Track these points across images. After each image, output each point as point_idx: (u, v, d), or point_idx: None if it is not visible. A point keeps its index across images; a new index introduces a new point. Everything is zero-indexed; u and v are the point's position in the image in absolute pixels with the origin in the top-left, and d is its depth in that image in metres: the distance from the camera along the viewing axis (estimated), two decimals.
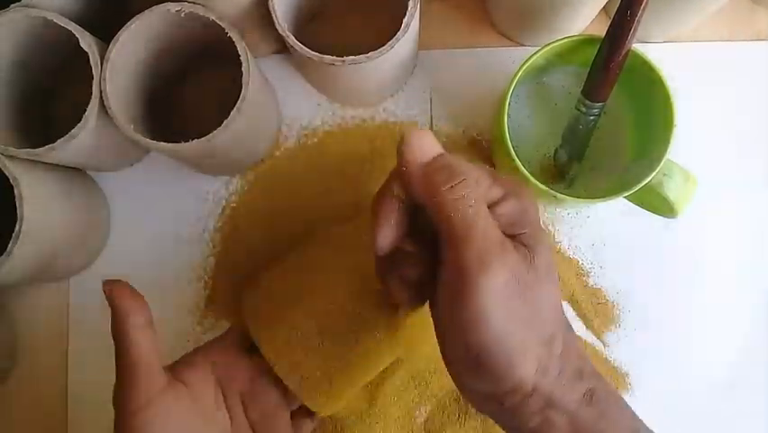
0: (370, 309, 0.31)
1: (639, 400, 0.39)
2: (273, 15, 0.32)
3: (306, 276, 0.32)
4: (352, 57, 0.31)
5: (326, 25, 0.40)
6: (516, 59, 0.39)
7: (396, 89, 0.41)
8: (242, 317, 0.32)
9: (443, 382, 0.38)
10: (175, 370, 0.29)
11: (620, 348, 0.40)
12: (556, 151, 0.37)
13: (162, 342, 0.39)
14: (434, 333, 0.24)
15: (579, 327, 0.40)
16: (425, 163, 0.23)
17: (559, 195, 0.33)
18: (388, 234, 0.24)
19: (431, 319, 0.25)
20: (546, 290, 0.23)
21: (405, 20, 0.31)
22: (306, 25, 0.39)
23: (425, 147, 0.24)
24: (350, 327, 0.31)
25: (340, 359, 0.31)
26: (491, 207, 0.23)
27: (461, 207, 0.22)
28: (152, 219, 0.41)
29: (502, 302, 0.22)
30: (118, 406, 0.26)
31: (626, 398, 0.39)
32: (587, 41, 0.33)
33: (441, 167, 0.23)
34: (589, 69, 0.33)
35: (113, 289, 0.27)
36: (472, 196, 0.23)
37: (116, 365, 0.27)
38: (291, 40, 0.32)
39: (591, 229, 0.41)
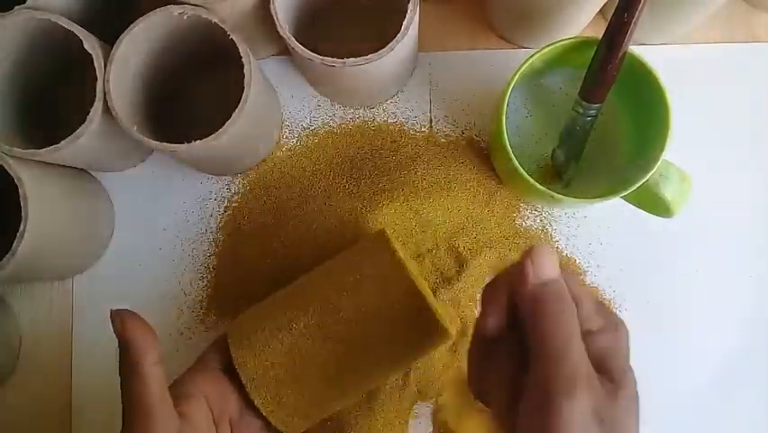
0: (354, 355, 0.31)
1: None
2: (275, 18, 0.32)
3: (291, 312, 0.32)
4: (353, 59, 0.32)
5: (327, 27, 0.40)
6: (515, 61, 0.40)
7: (396, 91, 0.41)
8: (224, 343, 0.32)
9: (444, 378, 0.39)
10: (174, 401, 0.27)
11: None
12: (554, 151, 0.38)
13: (165, 341, 0.40)
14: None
15: None
16: (541, 282, 0.24)
17: (556, 195, 0.33)
18: (494, 320, 0.25)
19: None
20: (626, 426, 0.24)
21: (404, 23, 0.32)
22: (307, 27, 0.39)
23: (546, 267, 0.24)
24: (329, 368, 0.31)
25: (314, 395, 0.31)
26: (589, 335, 0.24)
27: (561, 333, 0.23)
28: (155, 219, 0.41)
29: (579, 429, 0.22)
30: None
31: None
32: (584, 43, 0.33)
33: (554, 293, 0.24)
34: (586, 70, 0.33)
35: (125, 322, 0.25)
36: (574, 324, 0.23)
37: (129, 404, 0.25)
38: (292, 42, 0.32)
39: (589, 229, 0.41)
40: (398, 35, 0.32)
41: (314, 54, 0.32)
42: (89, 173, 0.41)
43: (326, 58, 0.32)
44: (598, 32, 0.32)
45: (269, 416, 0.31)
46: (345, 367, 0.31)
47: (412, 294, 0.30)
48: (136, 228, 0.41)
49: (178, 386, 0.29)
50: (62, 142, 0.32)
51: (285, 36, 0.32)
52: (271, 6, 0.32)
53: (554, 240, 0.41)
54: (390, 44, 0.32)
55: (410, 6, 0.32)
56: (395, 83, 0.40)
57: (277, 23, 0.32)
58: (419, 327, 0.31)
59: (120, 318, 0.26)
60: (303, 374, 0.31)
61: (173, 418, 0.26)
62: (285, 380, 0.31)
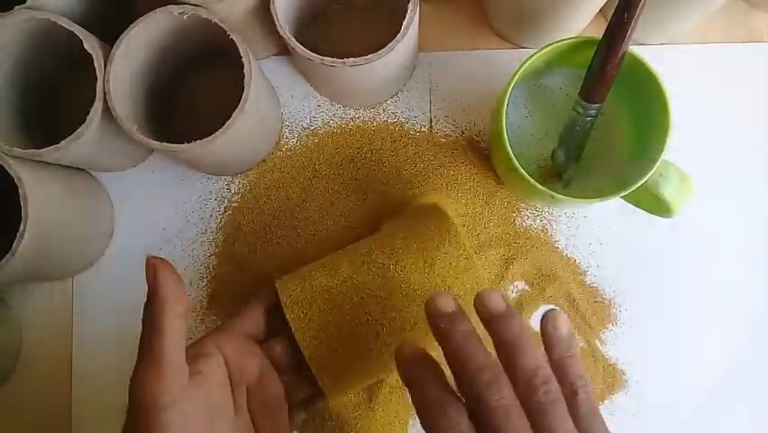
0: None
1: (636, 399, 0.40)
2: (275, 18, 0.32)
3: (338, 267, 0.33)
4: (353, 59, 0.32)
5: (327, 27, 0.40)
6: (515, 60, 0.40)
7: (396, 91, 0.41)
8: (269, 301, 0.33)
9: None
10: (190, 359, 0.27)
11: (617, 347, 0.40)
12: (554, 151, 0.38)
13: None
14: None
15: (576, 326, 0.40)
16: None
17: (556, 195, 0.33)
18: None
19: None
20: None
21: (404, 22, 0.32)
22: (307, 27, 0.39)
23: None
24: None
25: (363, 355, 0.32)
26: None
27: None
28: (155, 219, 0.41)
29: None
30: (142, 398, 0.25)
31: (623, 396, 0.40)
32: (584, 42, 0.33)
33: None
34: (586, 70, 0.33)
35: (157, 268, 0.26)
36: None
37: (143, 351, 0.25)
38: (292, 42, 0.32)
39: (589, 229, 0.41)
40: (399, 35, 0.32)
41: (314, 54, 0.32)
42: (89, 173, 0.41)
43: (326, 58, 0.32)
44: (599, 32, 0.32)
45: (309, 358, 0.31)
46: (387, 329, 0.32)
47: (464, 257, 0.31)
48: (136, 228, 0.41)
49: (199, 344, 0.30)
50: (62, 142, 0.32)
51: (285, 36, 0.32)
52: (271, 6, 0.32)
53: (555, 240, 0.41)
54: (390, 44, 0.32)
55: (410, 6, 0.32)
56: (395, 83, 0.40)
57: (277, 22, 0.32)
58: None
59: (153, 265, 0.26)
60: (347, 326, 0.31)
61: (182, 372, 0.26)
62: (329, 326, 0.31)
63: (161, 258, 0.26)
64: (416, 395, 0.25)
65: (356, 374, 0.32)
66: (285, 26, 0.32)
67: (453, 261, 0.32)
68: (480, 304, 0.26)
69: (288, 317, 0.31)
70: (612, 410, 0.40)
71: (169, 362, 0.25)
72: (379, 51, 0.32)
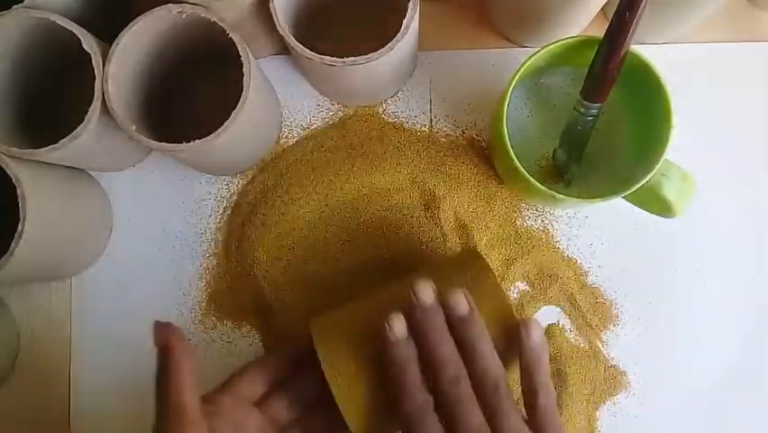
0: None
1: (637, 399, 0.40)
2: (274, 16, 0.32)
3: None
4: (352, 58, 0.32)
5: (327, 26, 0.40)
6: (515, 60, 0.40)
7: (396, 90, 0.41)
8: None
9: None
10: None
11: (618, 347, 0.40)
12: (555, 151, 0.38)
13: None
14: None
15: (578, 327, 0.40)
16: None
17: (557, 195, 0.33)
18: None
19: None
20: None
21: (404, 21, 0.32)
22: (307, 26, 0.39)
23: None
24: None
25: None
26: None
27: None
28: (154, 219, 0.41)
29: None
30: None
31: (624, 397, 0.40)
32: (586, 42, 0.33)
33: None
34: (587, 70, 0.33)
35: (169, 338, 0.27)
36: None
37: (161, 411, 0.27)
38: (291, 41, 0.32)
39: (590, 229, 0.41)
40: (399, 34, 0.31)
41: (313, 53, 0.32)
42: (88, 173, 0.41)
43: (326, 57, 0.32)
44: (600, 31, 0.32)
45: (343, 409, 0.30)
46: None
47: (505, 315, 0.31)
48: (135, 228, 0.41)
49: (207, 403, 0.30)
50: (61, 141, 0.32)
51: (284, 35, 0.32)
52: (271, 5, 0.32)
53: (556, 240, 0.41)
54: (390, 43, 0.31)
55: (410, 5, 0.31)
56: (395, 82, 0.40)
57: (276, 21, 0.32)
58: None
59: (164, 334, 0.28)
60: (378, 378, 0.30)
61: (204, 427, 0.27)
62: (368, 383, 0.30)
63: (166, 324, 0.28)
64: (396, 377, 0.28)
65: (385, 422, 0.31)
66: (284, 25, 0.32)
67: (493, 313, 0.31)
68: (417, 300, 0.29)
69: (330, 384, 0.30)
70: (614, 411, 0.40)
71: (192, 417, 0.26)
72: (379, 51, 0.32)
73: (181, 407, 0.26)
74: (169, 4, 0.32)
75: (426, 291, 0.29)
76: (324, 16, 0.40)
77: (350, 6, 0.40)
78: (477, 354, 0.28)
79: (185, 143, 0.32)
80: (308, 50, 0.32)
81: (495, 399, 0.27)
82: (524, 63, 0.33)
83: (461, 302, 0.29)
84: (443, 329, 0.28)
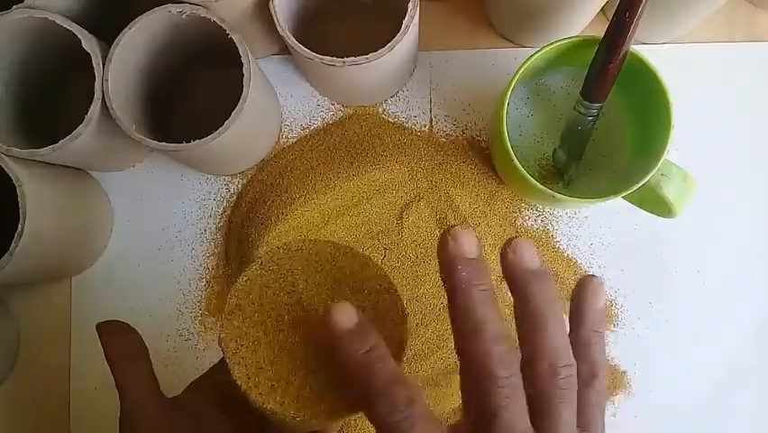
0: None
1: (637, 399, 0.40)
2: (274, 17, 0.32)
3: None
4: (352, 58, 0.32)
5: (327, 26, 0.40)
6: (516, 59, 0.40)
7: (395, 90, 0.41)
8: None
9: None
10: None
11: (618, 347, 0.40)
12: (555, 151, 0.38)
13: (163, 341, 0.40)
14: None
15: None
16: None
17: (558, 195, 0.33)
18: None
19: None
20: None
21: (404, 21, 0.32)
22: (307, 26, 0.39)
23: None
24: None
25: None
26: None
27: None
28: (154, 219, 0.41)
29: None
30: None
31: (625, 397, 0.40)
32: (585, 42, 0.33)
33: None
34: (587, 70, 0.33)
35: (109, 339, 0.29)
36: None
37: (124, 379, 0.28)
38: (291, 41, 0.32)
39: (590, 229, 0.41)
40: (398, 35, 0.31)
41: (313, 53, 0.32)
42: (88, 173, 0.41)
43: (326, 57, 0.32)
44: (600, 31, 0.32)
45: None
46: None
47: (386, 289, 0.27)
48: (135, 228, 0.41)
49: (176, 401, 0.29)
50: (61, 141, 0.32)
51: (284, 35, 0.32)
52: (270, 5, 0.32)
53: (556, 240, 0.41)
54: (390, 44, 0.31)
55: (410, 5, 0.31)
56: (395, 82, 0.40)
57: (276, 21, 0.32)
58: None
59: (105, 335, 0.29)
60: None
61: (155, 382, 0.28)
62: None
63: (107, 322, 0.29)
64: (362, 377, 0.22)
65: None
66: (284, 25, 0.32)
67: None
68: (507, 254, 0.22)
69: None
70: (614, 411, 0.40)
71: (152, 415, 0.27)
72: (379, 51, 0.32)
73: (140, 401, 0.28)
74: (169, 5, 0.32)
75: (470, 239, 0.22)
76: (324, 16, 0.40)
77: (350, 7, 0.40)
78: (550, 327, 0.22)
79: (185, 143, 0.32)
80: (308, 50, 0.32)
81: (592, 395, 0.22)
82: (524, 63, 0.33)
83: (529, 250, 0.22)
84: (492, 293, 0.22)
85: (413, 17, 0.32)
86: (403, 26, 0.31)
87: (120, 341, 0.29)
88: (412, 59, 0.39)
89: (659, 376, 0.40)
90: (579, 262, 0.40)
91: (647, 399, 0.40)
